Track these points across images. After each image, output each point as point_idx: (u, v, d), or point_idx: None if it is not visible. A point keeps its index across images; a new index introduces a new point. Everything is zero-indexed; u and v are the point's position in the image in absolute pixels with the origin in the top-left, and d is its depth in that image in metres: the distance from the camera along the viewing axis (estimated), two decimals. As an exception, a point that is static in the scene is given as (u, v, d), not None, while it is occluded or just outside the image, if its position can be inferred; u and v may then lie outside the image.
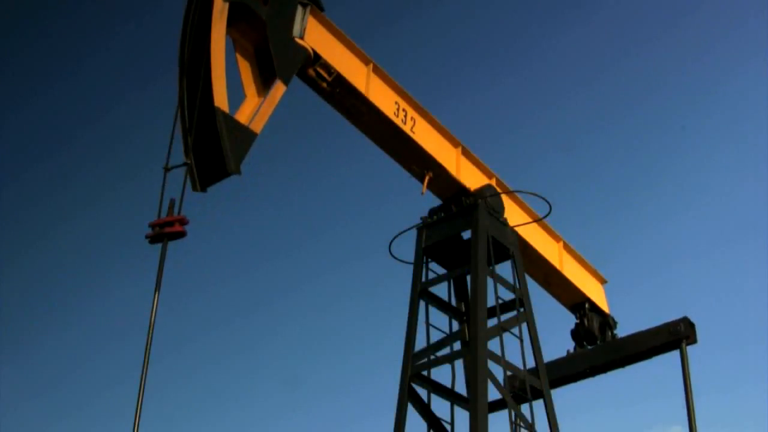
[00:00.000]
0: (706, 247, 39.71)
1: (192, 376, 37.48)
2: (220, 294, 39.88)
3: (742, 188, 39.73)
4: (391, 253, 15.17)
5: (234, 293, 40.79)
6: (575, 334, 17.20)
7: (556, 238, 16.87)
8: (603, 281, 17.78)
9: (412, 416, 13.89)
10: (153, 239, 10.28)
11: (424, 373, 14.05)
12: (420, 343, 14.27)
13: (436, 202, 15.07)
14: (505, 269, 15.00)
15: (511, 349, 14.65)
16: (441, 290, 14.96)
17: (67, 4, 43.66)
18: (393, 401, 13.80)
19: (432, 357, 14.25)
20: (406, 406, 13.79)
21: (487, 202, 14.69)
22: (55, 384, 37.66)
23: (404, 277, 14.83)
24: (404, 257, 15.11)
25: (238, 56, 12.08)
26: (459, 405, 14.18)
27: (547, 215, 16.51)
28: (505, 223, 15.10)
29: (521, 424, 13.70)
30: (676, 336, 16.11)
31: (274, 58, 11.90)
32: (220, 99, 11.17)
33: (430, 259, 14.90)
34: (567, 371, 16.92)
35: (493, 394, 13.49)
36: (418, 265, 14.73)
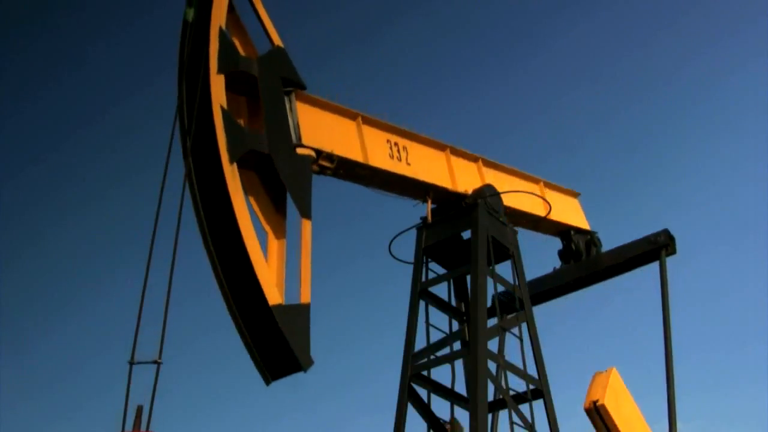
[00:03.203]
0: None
1: (192, 376, 37.45)
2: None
3: (740, 184, 39.83)
4: (391, 253, 15.19)
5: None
6: (562, 254, 17.44)
7: (535, 180, 16.96)
8: (576, 195, 17.93)
9: (412, 416, 13.91)
10: None
11: (424, 373, 14.05)
12: (420, 343, 14.29)
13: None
14: (505, 269, 15.08)
15: (511, 349, 14.73)
16: (441, 290, 14.99)
17: (67, 4, 43.67)
18: (393, 401, 13.82)
19: (432, 357, 14.25)
20: (406, 406, 13.79)
21: (486, 202, 14.70)
22: (55, 384, 37.68)
23: (404, 277, 14.86)
24: (404, 257, 15.14)
25: (250, 196, 11.76)
26: (459, 405, 14.18)
27: (547, 215, 16.67)
28: (505, 222, 15.11)
29: (520, 424, 13.70)
30: (655, 245, 16.34)
31: (294, 201, 11.76)
32: (273, 295, 10.78)
33: (430, 259, 14.90)
34: (552, 285, 17.20)
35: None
36: (418, 265, 14.73)
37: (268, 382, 10.82)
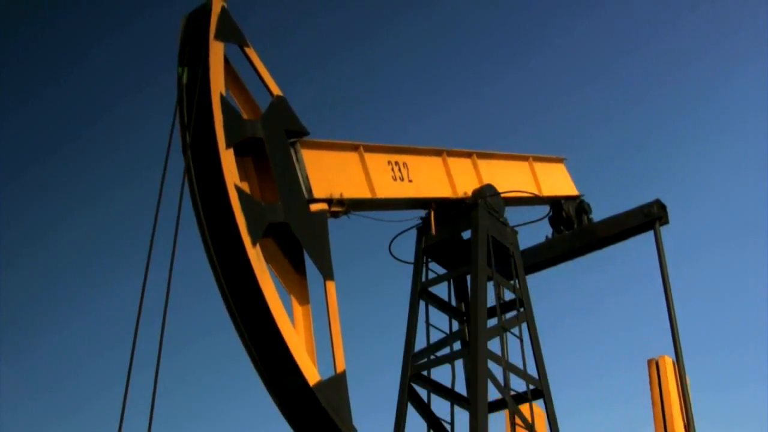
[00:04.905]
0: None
1: (193, 376, 37.49)
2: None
3: (742, 185, 39.87)
4: (391, 253, 15.20)
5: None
6: (553, 221, 17.45)
7: (524, 158, 16.97)
8: (561, 160, 17.94)
9: (412, 416, 13.92)
10: None
11: (424, 373, 14.06)
12: (420, 343, 14.30)
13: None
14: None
15: (511, 349, 14.73)
16: (441, 290, 15.00)
17: (67, 4, 43.69)
18: (393, 401, 13.83)
19: (432, 357, 14.26)
20: (406, 406, 13.80)
21: (486, 202, 14.72)
22: (55, 384, 37.70)
23: (404, 277, 14.87)
24: (404, 257, 15.15)
25: (270, 264, 11.49)
26: (459, 405, 14.19)
27: (546, 216, 16.78)
28: (505, 222, 15.13)
29: (521, 424, 13.71)
30: (649, 217, 16.40)
31: (315, 263, 11.60)
32: (311, 373, 10.72)
33: (430, 259, 14.91)
34: (546, 255, 17.20)
35: (494, 394, 13.51)
36: (418, 265, 14.74)
37: None
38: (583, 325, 38.45)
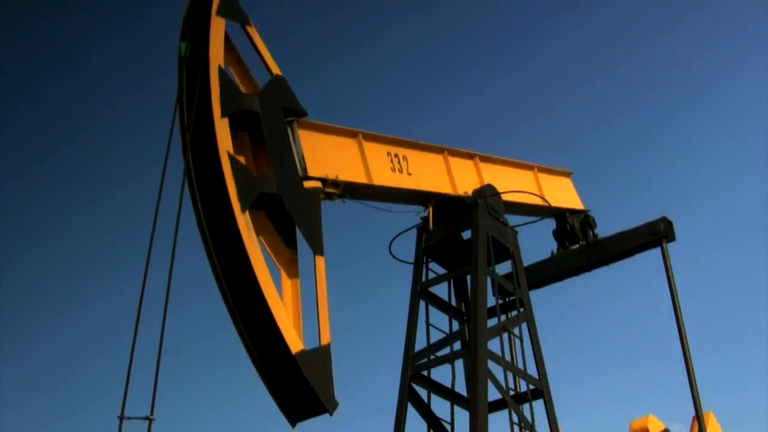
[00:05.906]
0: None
1: (193, 377, 37.50)
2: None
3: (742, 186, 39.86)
4: (391, 253, 15.19)
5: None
6: (557, 234, 17.42)
7: (529, 167, 16.93)
8: (568, 174, 17.92)
9: (412, 416, 13.91)
10: None
11: (424, 373, 14.05)
12: (420, 343, 14.29)
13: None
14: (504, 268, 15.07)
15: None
16: (441, 290, 14.99)
17: (67, 4, 43.70)
18: (393, 401, 13.82)
19: (432, 357, 14.25)
20: (406, 406, 13.80)
21: (486, 203, 14.71)
22: (55, 384, 37.70)
23: (404, 277, 14.86)
24: (404, 257, 15.14)
25: (260, 236, 11.53)
26: (459, 405, 14.18)
27: (544, 217, 16.61)
28: (505, 222, 15.12)
29: (522, 425, 13.70)
30: (656, 235, 16.42)
31: (306, 238, 11.67)
32: (294, 342, 10.70)
33: (430, 259, 14.90)
34: (553, 272, 17.21)
35: (494, 394, 13.51)
36: (418, 265, 14.74)
37: (293, 425, 10.87)
38: (584, 326, 38.48)
